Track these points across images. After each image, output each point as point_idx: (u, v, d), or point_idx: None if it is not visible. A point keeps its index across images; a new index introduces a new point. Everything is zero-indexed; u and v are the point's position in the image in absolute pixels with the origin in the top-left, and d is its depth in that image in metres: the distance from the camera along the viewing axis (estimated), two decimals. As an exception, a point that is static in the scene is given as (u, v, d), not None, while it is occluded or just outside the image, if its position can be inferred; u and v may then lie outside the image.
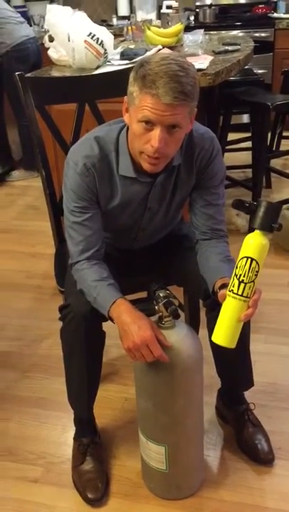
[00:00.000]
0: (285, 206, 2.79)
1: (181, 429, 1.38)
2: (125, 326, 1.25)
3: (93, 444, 1.56)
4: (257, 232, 1.18)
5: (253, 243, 1.17)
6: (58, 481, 1.57)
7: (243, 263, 1.17)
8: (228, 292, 1.22)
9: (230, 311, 1.22)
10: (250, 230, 1.20)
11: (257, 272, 1.18)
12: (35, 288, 2.56)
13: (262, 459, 1.57)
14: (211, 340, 1.27)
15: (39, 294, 2.52)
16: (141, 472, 1.55)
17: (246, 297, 1.20)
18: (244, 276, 1.18)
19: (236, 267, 1.20)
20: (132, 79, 1.22)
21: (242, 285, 1.18)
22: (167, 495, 1.48)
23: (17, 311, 2.40)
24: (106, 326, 1.42)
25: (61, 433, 1.74)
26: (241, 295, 1.19)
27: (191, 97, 1.19)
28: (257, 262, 1.17)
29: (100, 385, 1.55)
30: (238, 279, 1.18)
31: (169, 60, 1.17)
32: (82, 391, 1.51)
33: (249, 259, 1.17)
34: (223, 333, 1.23)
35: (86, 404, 1.53)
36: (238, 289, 1.19)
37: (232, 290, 1.20)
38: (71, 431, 1.63)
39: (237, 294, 1.20)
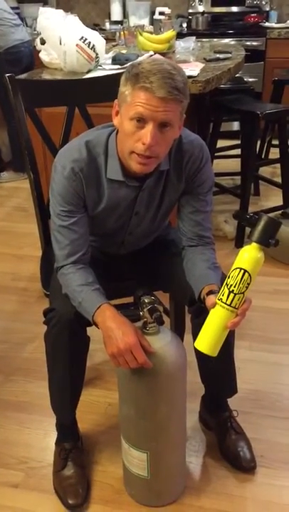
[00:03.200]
0: (272, 214, 2.81)
1: (163, 436, 1.38)
2: (109, 331, 1.24)
3: (75, 449, 1.55)
4: (254, 245, 1.18)
5: (248, 256, 1.18)
6: (39, 486, 1.55)
7: (236, 274, 1.18)
8: (216, 300, 1.22)
9: (216, 319, 1.22)
10: (238, 243, 1.21)
11: (248, 284, 1.18)
12: (21, 290, 2.54)
13: (244, 467, 1.57)
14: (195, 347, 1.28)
15: (25, 296, 2.50)
16: (122, 478, 1.54)
17: (234, 308, 1.20)
18: (235, 287, 1.18)
19: (228, 277, 1.20)
20: (123, 79, 1.22)
21: (231, 295, 1.19)
22: (148, 501, 1.48)
23: (2, 313, 2.38)
24: (91, 330, 1.41)
25: (43, 437, 1.72)
26: (230, 305, 1.20)
27: (184, 94, 1.20)
28: (249, 275, 1.18)
29: (84, 390, 1.54)
30: (229, 289, 1.19)
31: (160, 61, 1.20)
32: (65, 396, 1.50)
33: (242, 271, 1.17)
34: (207, 341, 1.23)
35: (69, 409, 1.52)
36: (228, 298, 1.19)
37: (221, 299, 1.21)
38: (53, 435, 1.62)
39: (225, 303, 1.20)
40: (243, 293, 1.19)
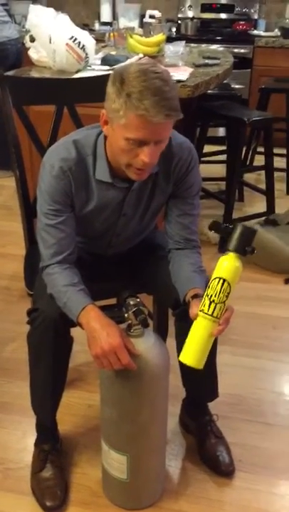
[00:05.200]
0: (256, 220, 2.83)
1: (144, 439, 1.38)
2: (94, 332, 1.24)
3: (54, 451, 1.54)
4: (231, 254, 1.20)
5: (227, 265, 1.20)
6: (17, 487, 1.53)
7: (215, 284, 1.19)
8: (198, 312, 1.23)
9: (199, 330, 1.23)
10: (221, 248, 1.23)
11: (228, 293, 1.20)
12: (2, 289, 2.52)
13: (222, 471, 1.57)
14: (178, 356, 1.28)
15: (6, 295, 2.47)
16: (101, 481, 1.53)
17: (216, 317, 1.21)
18: (215, 297, 1.19)
19: (208, 287, 1.21)
20: (113, 94, 1.18)
21: (212, 305, 1.20)
22: (127, 504, 1.47)
23: (-18, 312, 2.35)
24: (74, 331, 1.40)
25: (21, 438, 1.71)
26: (211, 315, 1.21)
27: (178, 110, 1.19)
28: (229, 284, 1.19)
29: (64, 391, 1.52)
30: (210, 299, 1.20)
31: (148, 73, 1.15)
32: (46, 396, 1.48)
33: (221, 280, 1.19)
34: (192, 354, 1.24)
35: (50, 410, 1.51)
36: (209, 308, 1.20)
37: (202, 310, 1.22)
38: (32, 436, 1.60)
39: (207, 313, 1.21)
40: (223, 302, 1.20)
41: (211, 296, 1.20)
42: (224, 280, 1.19)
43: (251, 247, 1.19)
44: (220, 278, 1.19)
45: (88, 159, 1.33)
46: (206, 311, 1.21)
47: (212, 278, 1.21)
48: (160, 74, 1.17)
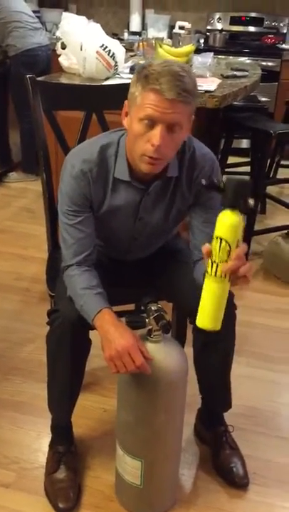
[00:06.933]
0: (279, 233, 2.82)
1: (159, 445, 1.37)
2: (108, 334, 1.25)
3: (68, 453, 1.55)
4: (226, 211, 1.15)
5: (222, 223, 1.15)
6: (30, 487, 1.54)
7: (214, 244, 1.15)
8: (205, 274, 1.19)
9: (208, 292, 1.19)
10: None
11: (228, 251, 1.15)
12: (23, 291, 2.55)
13: (236, 483, 1.56)
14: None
15: (27, 297, 2.50)
16: (114, 485, 1.53)
17: (220, 277, 1.17)
18: (215, 257, 1.15)
19: (212, 248, 1.17)
20: (134, 80, 1.24)
21: (214, 265, 1.16)
22: (139, 510, 1.47)
23: (3, 312, 2.38)
24: (91, 335, 1.42)
25: (36, 439, 1.72)
26: (215, 275, 1.16)
27: (193, 96, 1.21)
28: (227, 242, 1.14)
29: (80, 394, 1.53)
30: (211, 260, 1.16)
31: (170, 62, 1.21)
32: (63, 398, 1.49)
33: (219, 239, 1.15)
34: (206, 316, 1.20)
35: (66, 410, 1.52)
36: (211, 270, 1.17)
37: (207, 271, 1.18)
38: (46, 437, 1.61)
39: (211, 275, 1.17)
40: (225, 261, 1.15)
41: (212, 256, 1.16)
42: (221, 239, 1.14)
43: (245, 200, 1.14)
44: (217, 237, 1.15)
45: (110, 160, 1.35)
46: (209, 273, 1.17)
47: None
48: (180, 64, 1.21)
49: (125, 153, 1.34)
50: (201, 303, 1.21)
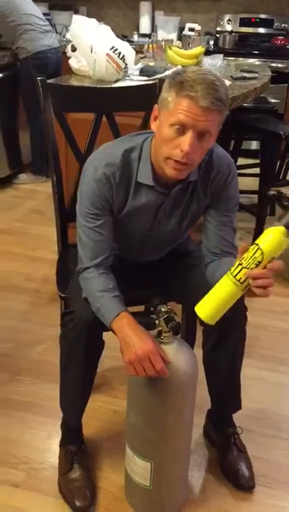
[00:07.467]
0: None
1: (169, 447, 1.38)
2: (127, 338, 1.24)
3: (80, 452, 1.55)
4: (281, 228, 1.14)
5: (271, 236, 1.14)
6: (39, 487, 1.55)
7: (251, 248, 1.15)
8: (228, 272, 1.19)
9: (220, 287, 1.19)
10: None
11: (259, 262, 1.14)
12: (33, 292, 2.56)
13: (242, 485, 1.56)
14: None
15: (36, 298, 2.51)
16: (123, 486, 1.53)
17: (238, 281, 1.16)
18: (245, 260, 1.15)
19: (247, 251, 1.18)
20: (167, 85, 1.23)
21: (239, 267, 1.16)
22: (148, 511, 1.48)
23: (12, 312, 2.39)
24: (104, 336, 1.42)
25: (45, 439, 1.72)
26: (234, 277, 1.16)
27: (225, 105, 1.22)
28: (262, 253, 1.14)
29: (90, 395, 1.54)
30: (240, 261, 1.16)
31: (205, 70, 1.22)
32: (76, 398, 1.50)
33: (256, 247, 1.14)
34: (207, 306, 1.20)
35: (78, 410, 1.52)
36: (235, 269, 1.17)
37: (230, 269, 1.18)
38: (55, 438, 1.62)
39: (231, 274, 1.17)
40: (250, 269, 1.15)
41: (243, 258, 1.16)
42: (259, 248, 1.14)
43: None
44: (256, 245, 1.15)
45: (134, 163, 1.34)
46: (231, 272, 1.17)
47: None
48: (214, 74, 1.22)
49: (149, 156, 1.33)
50: (209, 293, 1.21)
